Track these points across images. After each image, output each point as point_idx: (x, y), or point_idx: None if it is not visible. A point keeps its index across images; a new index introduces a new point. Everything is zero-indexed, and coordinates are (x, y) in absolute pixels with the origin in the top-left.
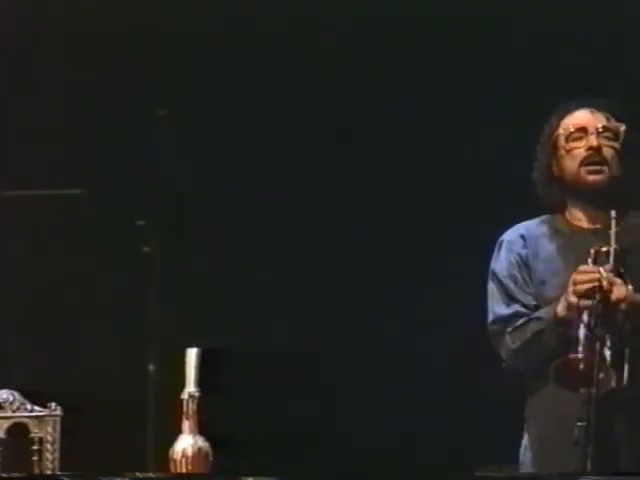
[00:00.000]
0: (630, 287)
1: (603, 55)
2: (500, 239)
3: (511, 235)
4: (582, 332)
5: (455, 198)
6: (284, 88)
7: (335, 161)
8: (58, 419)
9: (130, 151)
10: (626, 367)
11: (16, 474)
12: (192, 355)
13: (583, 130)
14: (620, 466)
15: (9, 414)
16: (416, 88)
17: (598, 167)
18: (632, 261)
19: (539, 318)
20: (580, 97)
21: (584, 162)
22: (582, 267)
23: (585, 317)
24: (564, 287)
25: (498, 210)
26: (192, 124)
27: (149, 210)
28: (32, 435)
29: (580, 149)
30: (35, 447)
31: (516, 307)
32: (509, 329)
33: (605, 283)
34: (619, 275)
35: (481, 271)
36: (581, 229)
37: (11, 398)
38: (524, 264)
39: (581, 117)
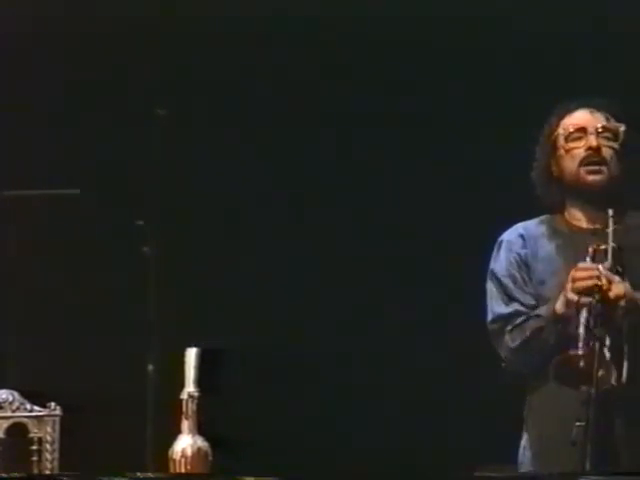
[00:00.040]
0: (628, 284)
1: (603, 55)
2: (499, 239)
3: (510, 235)
4: (581, 329)
5: (455, 198)
6: (284, 88)
7: (335, 161)
8: (57, 419)
9: (130, 151)
10: (625, 364)
11: (15, 474)
12: (192, 355)
13: (582, 130)
14: (619, 466)
15: (8, 414)
16: (416, 88)
17: (597, 167)
18: (631, 261)
19: (538, 316)
20: (580, 97)
21: (583, 162)
22: (581, 264)
23: (584, 314)
24: (563, 287)
25: (498, 210)
26: (192, 124)
27: (149, 210)
28: (31, 435)
29: (579, 149)
30: (34, 447)
31: (515, 306)
32: (508, 328)
33: (604, 280)
34: (617, 273)
35: (481, 271)
36: (580, 229)
37: (10, 398)
38: (523, 264)
39: (581, 117)
